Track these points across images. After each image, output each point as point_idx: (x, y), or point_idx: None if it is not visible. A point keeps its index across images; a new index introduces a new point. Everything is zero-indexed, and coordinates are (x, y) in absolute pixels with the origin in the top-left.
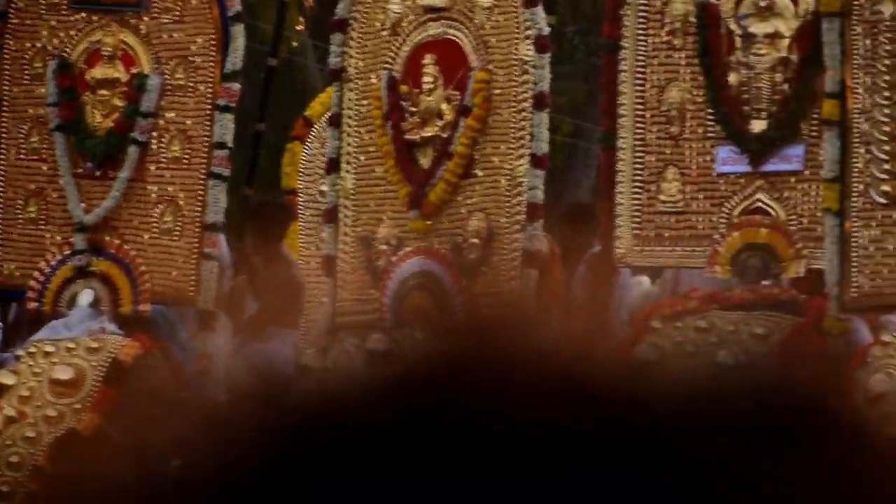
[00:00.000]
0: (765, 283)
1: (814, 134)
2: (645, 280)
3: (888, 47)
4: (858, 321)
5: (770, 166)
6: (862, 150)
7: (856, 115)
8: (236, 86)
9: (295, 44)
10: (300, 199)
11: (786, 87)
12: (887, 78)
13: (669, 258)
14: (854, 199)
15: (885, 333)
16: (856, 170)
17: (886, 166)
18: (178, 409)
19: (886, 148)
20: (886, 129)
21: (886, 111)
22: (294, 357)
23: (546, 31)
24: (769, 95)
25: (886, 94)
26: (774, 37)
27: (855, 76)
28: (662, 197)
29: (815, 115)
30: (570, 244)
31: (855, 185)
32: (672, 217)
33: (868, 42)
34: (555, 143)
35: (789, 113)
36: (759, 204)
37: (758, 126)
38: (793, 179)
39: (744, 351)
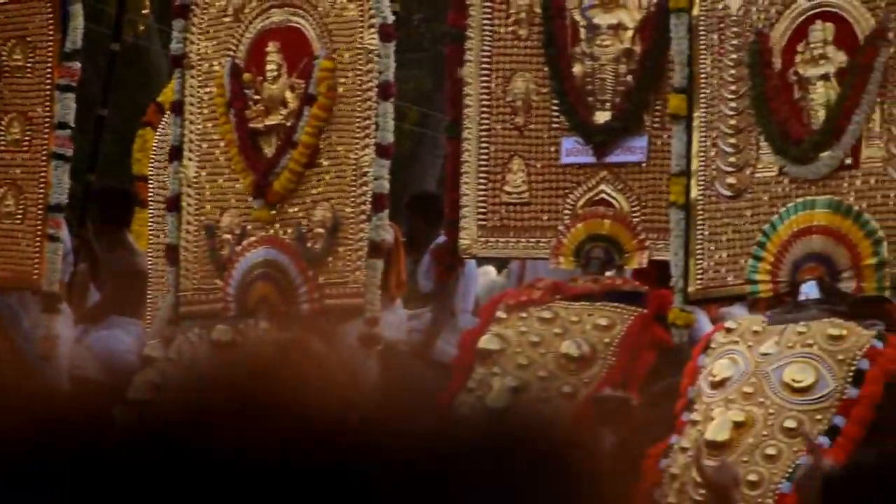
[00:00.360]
0: (608, 273)
1: (657, 125)
2: (491, 270)
3: (735, 42)
4: (700, 313)
5: (614, 157)
6: (708, 144)
7: (702, 109)
8: (77, 65)
9: (142, 27)
10: (150, 186)
11: (629, 78)
12: (733, 72)
13: (514, 249)
14: (700, 191)
15: (729, 321)
16: (702, 163)
17: (732, 159)
18: (21, 400)
19: (732, 141)
20: (732, 122)
21: (733, 104)
22: (137, 347)
23: (391, 19)
24: (613, 87)
25: (733, 87)
26: (618, 28)
27: (702, 70)
28: (507, 188)
29: (658, 107)
30: (416, 233)
31: (701, 177)
32: (517, 208)
33: (715, 37)
34: (402, 132)
35: (633, 104)
36: (603, 195)
37: (602, 117)
38: (636, 170)
39: (587, 341)
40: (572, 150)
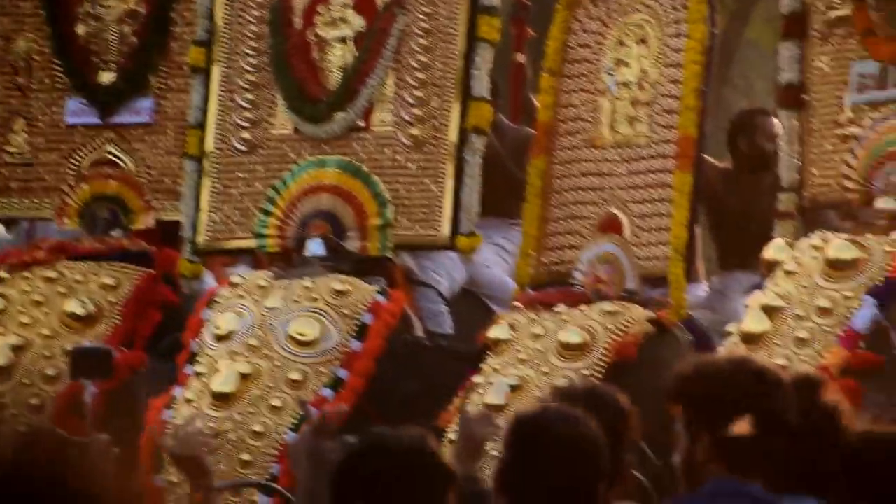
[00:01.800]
0: (114, 234)
1: (162, 87)
2: (1, 229)
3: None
4: (206, 273)
5: (119, 118)
6: (226, 98)
7: (222, 63)
8: None
9: None
10: None
11: (134, 39)
12: (255, 28)
13: (17, 209)
14: (215, 144)
15: (234, 276)
16: (219, 116)
17: (248, 114)
18: None
19: (249, 96)
20: (251, 77)
21: (252, 60)
22: None
23: None
24: (118, 47)
25: (253, 43)
26: None
27: (223, 25)
28: (10, 148)
29: (164, 68)
30: None
31: (217, 131)
32: (20, 168)
33: None
34: None
35: (137, 65)
36: (109, 155)
37: (106, 78)
38: (142, 131)
39: (92, 300)
40: (77, 111)
